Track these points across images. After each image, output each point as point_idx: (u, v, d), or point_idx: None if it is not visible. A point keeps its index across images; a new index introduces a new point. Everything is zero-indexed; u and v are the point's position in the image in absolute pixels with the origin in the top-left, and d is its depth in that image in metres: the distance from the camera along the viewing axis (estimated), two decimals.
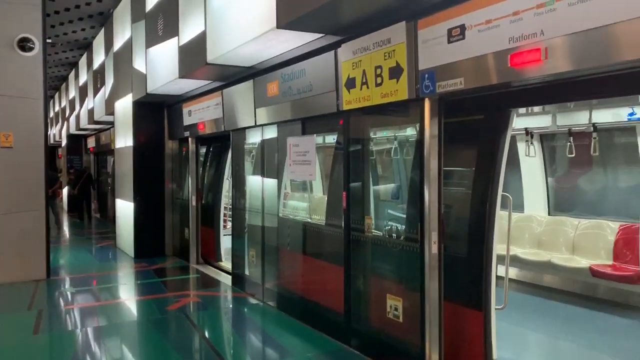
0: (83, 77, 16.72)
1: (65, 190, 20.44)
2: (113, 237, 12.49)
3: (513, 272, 7.85)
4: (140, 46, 9.70)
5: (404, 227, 4.88)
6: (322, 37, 5.21)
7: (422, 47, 4.18)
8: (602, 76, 3.26)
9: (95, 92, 14.59)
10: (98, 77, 14.15)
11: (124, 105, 11.04)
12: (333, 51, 5.26)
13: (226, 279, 8.44)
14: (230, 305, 7.43)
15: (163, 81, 8.42)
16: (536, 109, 7.06)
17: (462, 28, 3.78)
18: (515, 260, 7.35)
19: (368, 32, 4.74)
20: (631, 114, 6.18)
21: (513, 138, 7.66)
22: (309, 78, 5.69)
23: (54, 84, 21.84)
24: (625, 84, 3.34)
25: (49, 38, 13.37)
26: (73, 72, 18.84)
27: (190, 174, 9.88)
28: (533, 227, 7.72)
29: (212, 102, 8.29)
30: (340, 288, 5.42)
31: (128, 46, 10.59)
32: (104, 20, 12.56)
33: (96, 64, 14.36)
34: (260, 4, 5.19)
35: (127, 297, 7.95)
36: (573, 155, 6.69)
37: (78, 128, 17.98)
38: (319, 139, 7.64)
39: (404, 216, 4.94)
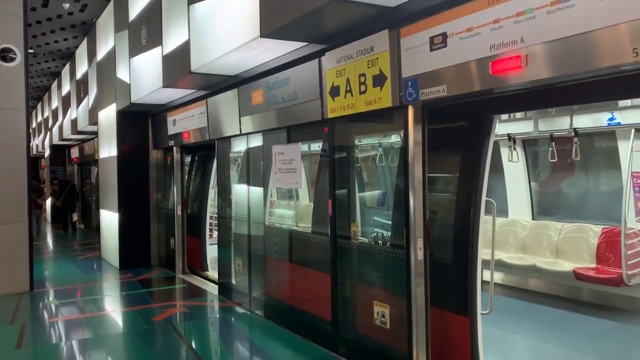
0: (66, 87, 16.58)
1: (48, 201, 20.20)
2: (98, 247, 12.36)
3: (498, 277, 7.91)
4: (123, 56, 9.66)
5: (389, 233, 4.90)
6: (306, 45, 5.23)
7: (404, 55, 4.22)
8: (581, 82, 3.32)
9: (79, 102, 14.47)
10: (81, 87, 14.05)
11: (108, 115, 10.97)
12: (317, 59, 5.28)
13: (213, 289, 8.39)
14: (217, 315, 7.38)
15: (147, 90, 8.38)
16: (518, 114, 7.14)
17: (444, 36, 3.82)
18: (501, 265, 7.40)
19: (351, 41, 4.77)
20: (611, 119, 6.28)
21: (496, 144, 7.75)
22: (293, 86, 5.70)
23: (36, 94, 21.63)
24: (604, 90, 3.40)
25: (31, 48, 13.25)
26: (56, 82, 18.68)
27: (175, 183, 9.83)
28: (517, 231, 7.80)
29: (197, 111, 8.27)
30: (327, 295, 5.42)
31: (111, 56, 10.54)
32: (87, 29, 12.49)
33: (79, 74, 14.26)
34: (243, 13, 5.20)
35: (113, 308, 7.86)
36: (555, 160, 6.77)
37: (61, 138, 17.81)
38: (304, 147, 7.67)
39: (390, 223, 4.96)
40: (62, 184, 17.79)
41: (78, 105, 14.57)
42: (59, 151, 20.81)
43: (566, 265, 6.82)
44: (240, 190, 7.56)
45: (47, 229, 18.09)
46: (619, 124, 6.26)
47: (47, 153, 21.64)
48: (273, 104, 6.08)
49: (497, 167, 8.00)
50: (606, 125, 6.38)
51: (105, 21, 11.08)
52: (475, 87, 3.67)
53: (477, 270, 4.17)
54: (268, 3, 4.78)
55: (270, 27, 4.79)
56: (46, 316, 7.35)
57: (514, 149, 7.43)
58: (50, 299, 8.29)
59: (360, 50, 4.67)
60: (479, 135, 4.20)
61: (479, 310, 4.20)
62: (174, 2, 7.20)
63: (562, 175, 7.68)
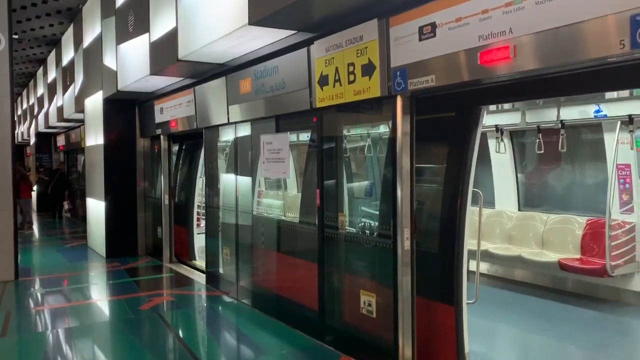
0: (52, 74, 16.35)
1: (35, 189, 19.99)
2: (84, 236, 12.27)
3: (485, 267, 7.99)
4: (110, 43, 9.54)
5: (377, 223, 4.91)
6: (294, 34, 5.20)
7: (393, 44, 4.21)
8: (569, 74, 3.33)
9: (65, 89, 14.28)
10: (67, 74, 13.86)
11: (94, 102, 10.85)
12: (306, 48, 5.26)
13: (200, 278, 8.38)
14: (204, 304, 7.37)
15: (134, 78, 8.29)
16: (506, 106, 7.17)
17: (433, 26, 3.82)
18: (487, 256, 7.47)
19: (341, 29, 4.75)
20: (597, 111, 6.32)
21: (484, 135, 7.78)
22: (281, 75, 5.67)
23: (21, 81, 21.32)
24: (591, 82, 3.41)
25: (16, 34, 13.04)
26: (41, 69, 18.42)
27: (163, 172, 9.77)
28: (503, 222, 7.86)
29: (184, 100, 8.21)
30: (315, 285, 5.43)
31: (98, 42, 10.41)
32: (73, 15, 12.31)
33: (65, 61, 14.06)
34: (232, 1, 5.15)
35: (99, 297, 7.82)
36: (542, 151, 6.82)
37: (47, 126, 17.59)
38: (293, 137, 7.64)
39: (377, 213, 4.97)
40: (51, 172, 17.62)
41: (64, 93, 14.38)
42: (45, 139, 20.57)
43: (551, 256, 6.89)
44: (228, 180, 7.53)
45: (34, 217, 17.91)
46: (605, 116, 6.31)
47: (32, 141, 21.38)
48: (261, 92, 6.05)
49: (485, 158, 8.04)
50: (593, 117, 6.43)
51: (92, 7, 10.92)
52: (463, 77, 3.67)
53: (463, 260, 4.20)
54: None
55: (259, 15, 4.74)
56: (31, 304, 7.30)
57: (502, 140, 7.47)
58: (36, 287, 8.22)
59: (349, 39, 4.65)
60: (466, 126, 4.19)
61: (465, 300, 4.24)
62: None
63: (549, 167, 7.74)
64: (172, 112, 8.77)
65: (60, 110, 14.94)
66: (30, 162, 22.08)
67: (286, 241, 6.30)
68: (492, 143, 7.74)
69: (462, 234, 4.20)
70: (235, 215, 7.17)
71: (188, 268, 9.26)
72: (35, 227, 15.60)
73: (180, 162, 10.12)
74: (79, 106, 12.28)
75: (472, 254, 4.97)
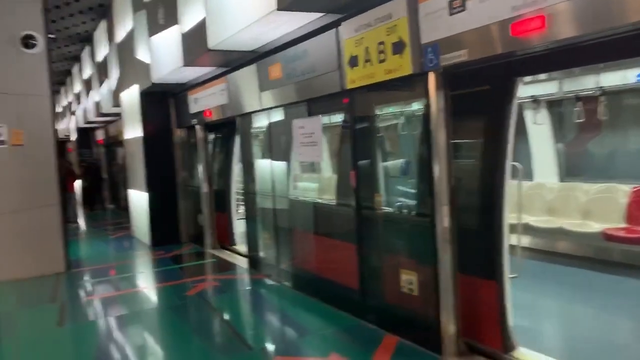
0: (87, 70, 16.76)
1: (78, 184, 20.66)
2: (128, 226, 12.65)
3: (526, 241, 7.87)
4: (142, 36, 9.70)
5: (414, 202, 4.91)
6: (322, 16, 5.19)
7: (423, 20, 4.16)
8: (606, 40, 3.23)
9: (100, 84, 14.63)
10: (102, 70, 14.18)
11: (130, 96, 11.09)
12: (334, 30, 5.24)
13: (242, 262, 8.55)
14: (247, 287, 7.55)
15: (167, 70, 8.43)
16: (542, 75, 6.99)
17: None
18: (527, 229, 7.36)
19: (369, 9, 4.72)
20: (639, 75, 6.11)
21: (520, 106, 7.62)
22: (311, 59, 5.68)
23: (58, 79, 21.90)
24: (630, 47, 3.30)
25: (51, 33, 13.37)
26: (77, 66, 18.88)
27: (200, 160, 9.95)
28: (544, 194, 7.72)
29: (217, 89, 8.31)
30: (355, 265, 5.49)
31: (130, 37, 10.60)
32: (104, 12, 12.54)
33: (99, 57, 14.38)
34: None
35: (146, 285, 8.09)
36: (582, 120, 6.64)
37: (86, 121, 18.08)
38: (326, 119, 7.66)
39: (414, 191, 4.97)
40: (87, 166, 18.24)
41: (100, 88, 14.74)
42: (85, 134, 21.16)
43: (595, 227, 6.75)
44: (263, 165, 7.62)
45: (79, 211, 18.54)
46: None
47: (73, 136, 22.02)
48: (292, 77, 6.07)
49: (522, 130, 7.88)
50: (635, 82, 6.22)
51: (122, 2, 11.10)
52: (496, 50, 3.61)
53: (504, 235, 4.17)
54: None
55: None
56: (84, 294, 7.61)
57: (539, 111, 7.30)
58: (87, 277, 8.55)
59: (378, 17, 4.61)
60: (502, 99, 4.13)
61: (507, 275, 4.22)
62: None
63: (589, 136, 7.53)
64: (205, 101, 8.90)
65: (97, 105, 15.33)
66: (72, 157, 22.76)
67: (324, 223, 6.36)
68: (529, 114, 7.57)
69: (502, 208, 4.16)
70: (273, 200, 7.27)
71: (230, 253, 9.46)
72: (81, 220, 16.14)
73: (217, 150, 10.27)
74: (116, 100, 12.57)
75: (513, 228, 4.92)
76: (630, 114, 7.01)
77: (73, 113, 20.88)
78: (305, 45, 5.77)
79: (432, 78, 4.26)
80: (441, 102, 4.29)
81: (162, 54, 8.62)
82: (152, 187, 10.50)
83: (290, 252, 7.03)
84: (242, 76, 7.42)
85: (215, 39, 6.37)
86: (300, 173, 10.09)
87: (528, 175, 8.14)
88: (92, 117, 16.65)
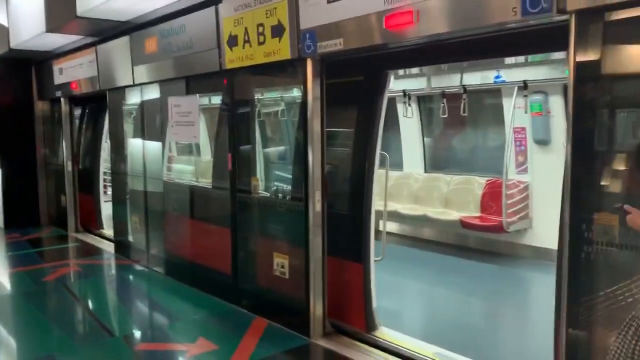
0: None
1: None
2: None
3: (394, 227, 8.32)
4: None
5: (289, 187, 4.96)
6: None
7: (303, 5, 4.17)
8: (471, 39, 3.46)
9: None
10: None
11: None
12: (214, 7, 5.09)
13: (109, 247, 8.08)
14: (113, 273, 7.16)
15: (28, 35, 7.65)
16: (414, 71, 7.39)
17: None
18: (396, 216, 7.78)
19: None
20: (497, 77, 6.68)
21: (393, 100, 7.99)
22: (189, 34, 5.48)
23: None
24: (490, 47, 3.58)
25: None
26: None
27: (65, 137, 9.21)
28: (411, 184, 8.19)
29: (86, 59, 7.73)
30: (228, 250, 5.42)
31: None
32: None
33: None
34: None
35: None
36: (446, 115, 7.13)
37: None
38: (206, 100, 7.46)
39: (290, 176, 5.01)
40: None
41: None
42: None
43: (454, 215, 7.31)
44: (135, 145, 7.25)
45: None
46: (503, 82, 6.67)
47: None
48: (168, 52, 5.82)
49: (395, 122, 8.28)
50: (493, 82, 6.78)
51: None
52: (370, 41, 3.73)
53: (371, 220, 4.36)
54: None
55: None
56: None
57: (409, 104, 7.71)
58: None
59: None
60: (374, 90, 4.30)
61: (372, 258, 4.42)
62: None
63: (453, 131, 8.11)
64: (72, 72, 8.24)
65: None
66: None
67: (198, 207, 6.21)
68: (400, 108, 7.97)
69: (369, 195, 4.35)
70: (144, 182, 6.95)
71: (96, 237, 8.90)
72: None
73: (85, 126, 9.58)
74: None
75: (381, 215, 5.17)
76: (489, 113, 7.66)
77: None
78: (184, 20, 5.55)
79: (309, 65, 4.30)
80: (317, 90, 4.36)
81: (22, 17, 7.81)
82: (7, 163, 9.55)
83: (162, 236, 6.78)
84: (114, 48, 6.97)
85: (85, 5, 5.88)
86: (177, 155, 9.76)
87: (399, 165, 8.59)
88: None
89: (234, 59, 4.93)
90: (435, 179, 7.99)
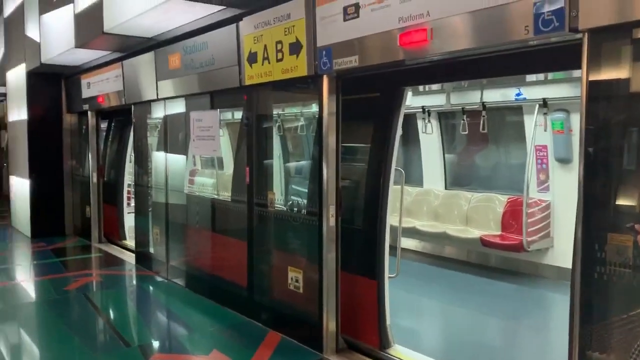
0: None
1: None
2: (7, 216, 11.72)
3: (413, 244, 8.27)
4: (33, 12, 9.05)
5: (305, 201, 4.99)
6: (223, 9, 5.12)
7: (320, 23, 4.24)
8: (485, 57, 3.47)
9: None
10: None
11: (17, 75, 10.30)
12: (235, 24, 5.20)
13: (130, 258, 8.21)
14: (133, 284, 7.27)
15: (58, 51, 7.93)
16: (434, 87, 7.38)
17: (357, 6, 3.87)
18: (414, 232, 7.73)
19: (269, 7, 4.73)
20: (518, 94, 6.62)
21: (413, 116, 8.00)
22: (211, 51, 5.59)
23: None
24: (506, 65, 3.57)
25: None
26: None
27: (91, 149, 9.44)
28: (431, 200, 8.14)
29: (112, 74, 7.94)
30: (244, 263, 5.47)
31: (20, 12, 9.84)
32: None
33: None
34: None
35: (22, 278, 7.54)
36: (466, 132, 7.09)
37: None
38: (229, 115, 7.58)
39: (305, 191, 5.05)
40: None
41: None
42: None
43: (474, 233, 7.23)
44: (158, 158, 7.39)
45: None
46: (524, 99, 6.62)
47: None
48: (191, 68, 5.94)
49: (415, 138, 8.27)
50: (513, 100, 6.73)
51: None
52: (385, 58, 3.76)
53: (385, 236, 4.35)
54: None
55: None
56: None
57: (429, 121, 7.69)
58: None
59: (277, 16, 4.64)
60: (390, 107, 4.32)
61: (387, 274, 4.40)
62: None
63: (474, 148, 8.05)
64: (99, 87, 8.47)
65: None
66: None
67: (217, 219, 6.28)
68: (420, 124, 7.96)
69: (384, 210, 4.34)
70: (165, 194, 7.06)
71: (118, 248, 9.06)
72: None
73: (110, 139, 9.81)
74: (1, 79, 11.62)
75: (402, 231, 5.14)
76: (510, 130, 7.58)
77: None
78: (206, 37, 5.68)
79: (325, 81, 4.35)
80: (333, 106, 4.40)
81: (54, 34, 8.09)
82: (36, 174, 9.82)
83: (181, 248, 6.87)
84: (139, 63, 7.15)
85: (112, 22, 6.07)
86: (201, 168, 9.90)
87: (419, 181, 8.55)
88: None
89: (253, 75, 5.02)
90: (456, 196, 7.93)
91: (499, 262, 7.33)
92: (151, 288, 6.91)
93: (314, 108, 4.80)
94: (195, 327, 5.40)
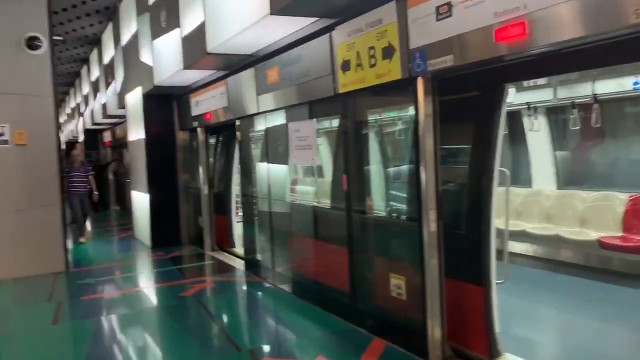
0: (95, 73, 16.92)
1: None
2: (130, 228, 12.73)
3: (524, 248, 7.85)
4: (146, 39, 9.80)
5: (404, 206, 4.92)
6: (316, 21, 5.23)
7: (412, 25, 4.18)
8: (589, 47, 3.23)
9: (107, 86, 14.78)
10: (109, 72, 14.32)
11: (135, 98, 11.19)
12: (328, 34, 5.28)
13: (240, 265, 8.58)
14: (242, 290, 7.57)
15: (169, 73, 8.51)
16: (540, 81, 6.97)
17: (449, 5, 3.77)
18: (525, 236, 7.34)
19: (361, 14, 4.75)
20: (636, 83, 6.08)
21: (518, 113, 7.62)
22: (306, 63, 5.72)
23: (67, 80, 22.13)
24: (616, 53, 3.29)
25: (59, 35, 13.55)
26: (85, 68, 19.07)
27: (201, 163, 10.01)
28: (542, 201, 7.69)
29: (218, 92, 8.37)
30: (345, 269, 5.50)
31: (135, 39, 10.70)
32: (111, 14, 12.67)
33: (106, 59, 14.52)
34: None
35: (142, 285, 8.15)
36: (577, 127, 6.62)
37: (93, 123, 18.25)
38: (326, 123, 7.69)
39: (404, 196, 4.98)
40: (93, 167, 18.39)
41: (107, 90, 14.88)
42: (93, 135, 21.34)
43: (591, 235, 6.71)
44: (262, 168, 7.67)
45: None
46: None
47: (81, 137, 22.21)
48: (287, 81, 6.11)
49: (522, 137, 7.87)
50: (631, 89, 6.19)
51: (128, 5, 11.22)
52: (480, 56, 3.63)
53: (491, 240, 4.17)
54: None
55: (280, 4, 4.80)
56: (80, 294, 7.64)
57: (535, 117, 7.28)
58: (85, 277, 8.60)
59: (369, 22, 4.65)
60: (490, 105, 4.13)
61: (494, 280, 4.21)
62: None
63: (589, 143, 7.50)
64: (206, 104, 8.97)
65: (104, 107, 15.48)
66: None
67: (318, 227, 6.37)
68: (526, 121, 7.56)
69: (489, 213, 4.16)
70: (269, 203, 7.30)
71: (229, 255, 9.49)
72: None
73: (218, 152, 10.33)
74: (121, 102, 12.69)
75: (511, 235, 4.89)
76: (629, 122, 6.97)
77: (81, 114, 21.06)
78: (301, 50, 5.82)
79: (420, 83, 4.28)
80: (429, 108, 4.31)
81: (164, 57, 8.70)
82: (154, 188, 10.58)
83: (285, 255, 7.06)
84: (241, 79, 7.48)
85: (214, 42, 6.43)
86: (303, 177, 10.14)
87: (527, 182, 8.12)
88: (99, 118, 16.80)
89: (346, 83, 5.06)
90: (570, 196, 7.42)
91: (623, 266, 6.73)
92: (259, 294, 7.16)
93: (410, 111, 4.73)
94: (300, 333, 5.51)
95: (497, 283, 4.25)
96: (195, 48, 7.16)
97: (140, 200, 11.33)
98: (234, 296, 7.29)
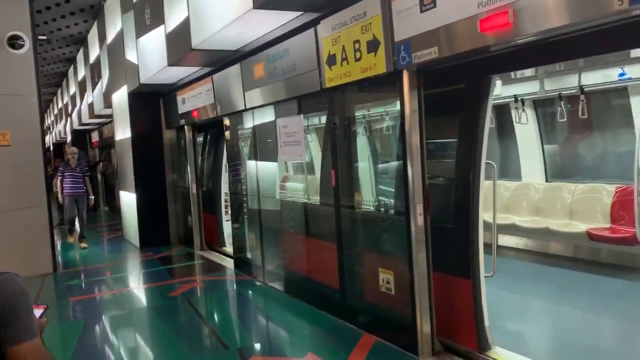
0: (81, 72, 16.74)
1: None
2: (120, 228, 12.61)
3: (514, 241, 7.86)
4: (130, 37, 9.69)
5: (391, 201, 4.89)
6: (301, 14, 5.17)
7: (396, 18, 4.14)
8: (573, 36, 3.20)
9: (94, 86, 14.62)
10: (95, 71, 14.16)
11: (120, 97, 11.08)
12: (313, 29, 5.22)
13: (229, 264, 8.52)
14: (231, 288, 7.52)
15: (154, 70, 8.42)
16: (527, 72, 6.96)
17: None
18: (514, 229, 7.34)
19: (345, 7, 4.70)
20: (621, 75, 6.09)
21: (506, 106, 7.61)
22: (292, 58, 5.66)
23: (54, 81, 21.89)
24: (600, 42, 3.27)
25: (44, 35, 13.38)
26: (72, 68, 18.87)
27: (189, 161, 9.93)
28: (530, 194, 7.69)
29: (204, 89, 8.29)
30: (335, 265, 5.46)
31: (120, 38, 10.58)
32: (96, 13, 12.52)
33: (92, 58, 14.37)
34: None
35: (131, 286, 8.07)
36: (565, 119, 6.62)
37: (80, 123, 18.06)
38: (315, 119, 7.65)
39: (392, 190, 4.95)
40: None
41: (93, 90, 14.73)
42: (80, 136, 21.12)
43: (580, 226, 6.72)
44: (250, 166, 7.61)
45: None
46: (629, 79, 6.06)
47: (68, 138, 21.99)
48: (274, 76, 6.05)
49: (510, 130, 7.86)
50: (617, 80, 6.19)
51: (113, 3, 11.09)
52: (465, 47, 3.59)
53: (478, 233, 4.15)
54: None
55: None
56: (67, 295, 7.56)
57: (523, 110, 7.28)
58: (72, 278, 8.51)
59: (353, 16, 4.60)
60: (477, 97, 4.11)
61: (482, 273, 4.19)
62: None
63: (576, 136, 7.50)
64: (193, 101, 8.89)
65: (90, 107, 15.31)
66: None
67: (307, 223, 6.33)
68: (514, 114, 7.55)
69: (476, 206, 4.14)
70: (258, 201, 7.24)
71: (218, 254, 9.43)
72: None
73: (206, 150, 10.26)
74: (107, 102, 12.56)
75: (499, 227, 4.88)
76: (615, 114, 6.98)
77: (69, 115, 20.85)
78: (286, 45, 5.76)
79: (405, 76, 4.24)
80: (414, 101, 4.27)
81: (149, 55, 8.61)
82: (141, 188, 10.48)
83: (274, 252, 7.01)
84: (227, 76, 7.40)
85: (198, 38, 6.35)
86: (292, 174, 10.09)
87: (516, 175, 8.13)
88: (86, 119, 16.62)
89: (332, 77, 5.01)
90: (558, 188, 7.43)
91: (611, 258, 6.75)
92: (249, 292, 7.11)
93: (396, 105, 4.70)
94: (290, 330, 5.47)
95: (485, 276, 4.23)
96: (179, 44, 7.07)
97: (129, 201, 11.22)
98: (223, 295, 7.23)
